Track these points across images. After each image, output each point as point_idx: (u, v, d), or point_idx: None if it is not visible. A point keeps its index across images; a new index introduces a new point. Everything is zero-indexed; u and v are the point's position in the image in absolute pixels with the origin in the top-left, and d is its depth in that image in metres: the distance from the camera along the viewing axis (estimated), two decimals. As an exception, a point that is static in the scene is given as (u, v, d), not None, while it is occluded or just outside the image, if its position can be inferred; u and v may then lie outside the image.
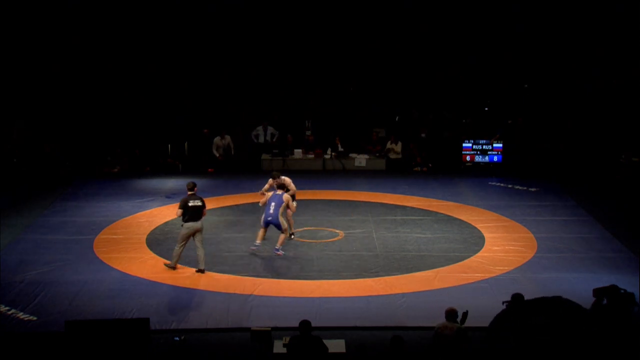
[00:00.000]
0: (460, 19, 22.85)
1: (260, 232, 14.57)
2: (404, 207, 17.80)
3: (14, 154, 20.89)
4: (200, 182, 20.22)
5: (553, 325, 9.43)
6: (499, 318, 9.91)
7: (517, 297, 9.93)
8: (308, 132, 22.88)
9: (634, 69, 19.01)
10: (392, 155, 22.11)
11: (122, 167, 21.39)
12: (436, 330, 9.66)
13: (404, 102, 23.85)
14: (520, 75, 23.20)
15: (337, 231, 15.94)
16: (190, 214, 13.54)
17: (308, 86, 23.95)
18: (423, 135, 22.54)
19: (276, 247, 14.45)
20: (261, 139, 22.77)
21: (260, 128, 22.81)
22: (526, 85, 23.32)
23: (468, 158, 21.71)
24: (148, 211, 17.45)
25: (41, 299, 12.37)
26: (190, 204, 13.55)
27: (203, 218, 13.75)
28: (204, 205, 13.73)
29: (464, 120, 23.06)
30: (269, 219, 14.33)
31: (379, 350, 9.78)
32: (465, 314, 9.80)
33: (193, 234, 13.58)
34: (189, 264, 14.02)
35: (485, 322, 11.39)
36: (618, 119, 21.38)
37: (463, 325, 9.71)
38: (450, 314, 9.70)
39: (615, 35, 21.32)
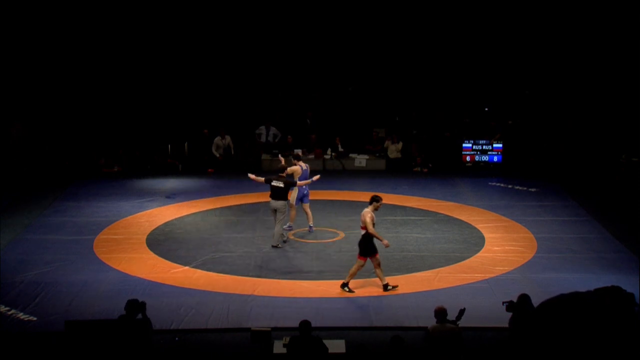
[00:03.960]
0: (460, 19, 22.86)
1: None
2: (404, 207, 17.79)
3: (13, 154, 20.87)
4: (200, 182, 20.41)
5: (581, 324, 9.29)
6: (516, 320, 9.79)
7: (523, 298, 9.88)
8: (308, 121, 22.90)
9: (633, 69, 18.99)
10: (392, 155, 22.10)
11: (122, 167, 21.37)
12: (428, 332, 9.62)
13: (404, 102, 23.84)
14: (521, 76, 23.19)
15: (337, 231, 15.93)
16: (271, 192, 14.79)
17: (308, 86, 23.94)
18: (414, 132, 22.56)
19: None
20: (263, 139, 22.75)
21: (262, 127, 22.81)
22: (527, 92, 23.32)
23: (468, 158, 21.70)
24: (148, 211, 17.44)
25: (41, 299, 12.37)
26: (273, 183, 14.79)
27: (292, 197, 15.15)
28: (285, 187, 14.74)
29: (465, 120, 23.05)
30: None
31: (379, 350, 9.78)
32: (462, 311, 9.79)
33: (273, 210, 14.79)
34: (188, 263, 14.04)
35: (486, 323, 11.45)
36: (618, 119, 21.37)
37: (458, 322, 9.70)
38: (440, 313, 9.65)
39: (615, 35, 21.31)
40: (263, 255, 14.56)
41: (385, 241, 12.52)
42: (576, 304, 9.41)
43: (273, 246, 14.86)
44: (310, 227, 15.85)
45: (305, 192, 15.64)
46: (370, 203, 12.69)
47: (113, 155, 21.56)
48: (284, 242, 15.18)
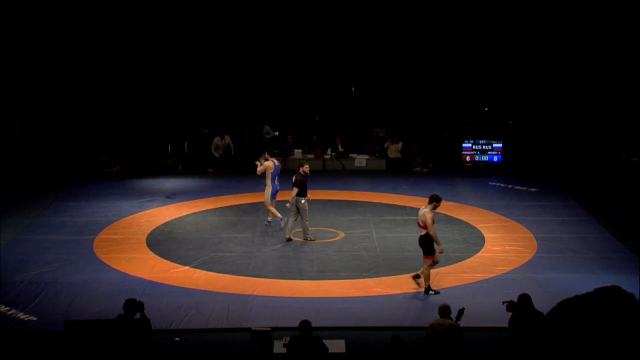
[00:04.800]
0: (460, 19, 22.86)
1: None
2: (404, 207, 17.78)
3: (14, 154, 20.87)
4: (200, 182, 20.41)
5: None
6: (516, 320, 9.79)
7: (523, 298, 9.88)
8: (317, 119, 22.92)
9: (634, 69, 18.99)
10: (392, 155, 22.10)
11: (122, 167, 21.37)
12: (430, 326, 9.67)
13: (404, 102, 23.83)
14: (521, 76, 23.19)
15: (337, 231, 15.94)
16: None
17: (308, 86, 23.93)
18: (423, 132, 22.56)
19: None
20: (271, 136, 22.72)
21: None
22: (528, 92, 23.33)
23: (468, 158, 21.70)
24: (148, 211, 17.44)
25: (41, 299, 12.36)
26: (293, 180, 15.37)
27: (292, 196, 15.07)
28: (294, 184, 15.09)
29: (465, 120, 23.04)
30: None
31: (379, 350, 9.78)
32: (461, 311, 9.80)
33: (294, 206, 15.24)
34: (188, 263, 14.05)
35: (486, 323, 11.45)
36: (618, 119, 21.37)
37: (458, 322, 9.71)
38: (444, 310, 9.69)
39: (615, 35, 21.31)
40: (263, 255, 14.56)
41: (441, 247, 12.50)
42: (594, 306, 9.38)
43: (306, 239, 15.20)
44: (269, 222, 16.10)
45: (276, 189, 15.91)
46: (430, 203, 12.54)
47: (113, 155, 21.56)
48: (288, 240, 15.20)
